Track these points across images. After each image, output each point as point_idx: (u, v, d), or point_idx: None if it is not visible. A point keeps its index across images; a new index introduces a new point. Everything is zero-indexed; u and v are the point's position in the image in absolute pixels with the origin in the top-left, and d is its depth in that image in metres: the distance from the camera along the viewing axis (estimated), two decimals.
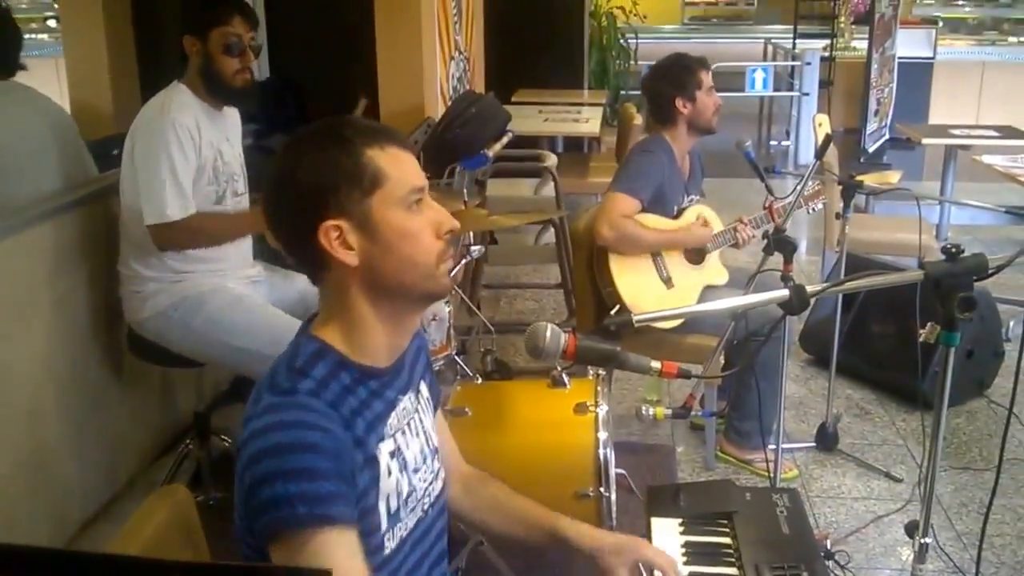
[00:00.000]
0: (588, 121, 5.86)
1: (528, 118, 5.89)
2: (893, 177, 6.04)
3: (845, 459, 3.50)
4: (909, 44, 9.41)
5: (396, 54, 4.20)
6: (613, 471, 2.43)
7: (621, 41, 9.29)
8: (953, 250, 1.52)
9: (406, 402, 1.44)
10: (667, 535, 1.74)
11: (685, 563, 1.65)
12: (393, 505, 1.36)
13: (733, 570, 1.62)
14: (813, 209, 3.46)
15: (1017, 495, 3.26)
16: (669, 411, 2.71)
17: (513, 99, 6.72)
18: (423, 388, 1.53)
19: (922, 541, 1.49)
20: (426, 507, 1.45)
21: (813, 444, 3.57)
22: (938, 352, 3.77)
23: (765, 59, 11.14)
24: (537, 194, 4.47)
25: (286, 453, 1.21)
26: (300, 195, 1.31)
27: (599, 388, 2.52)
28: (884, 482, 3.36)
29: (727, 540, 1.70)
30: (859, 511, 3.16)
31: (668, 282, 3.19)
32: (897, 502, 3.22)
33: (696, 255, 3.29)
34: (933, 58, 9.59)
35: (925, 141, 6.16)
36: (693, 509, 1.81)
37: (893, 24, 8.90)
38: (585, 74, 8.22)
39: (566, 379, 2.54)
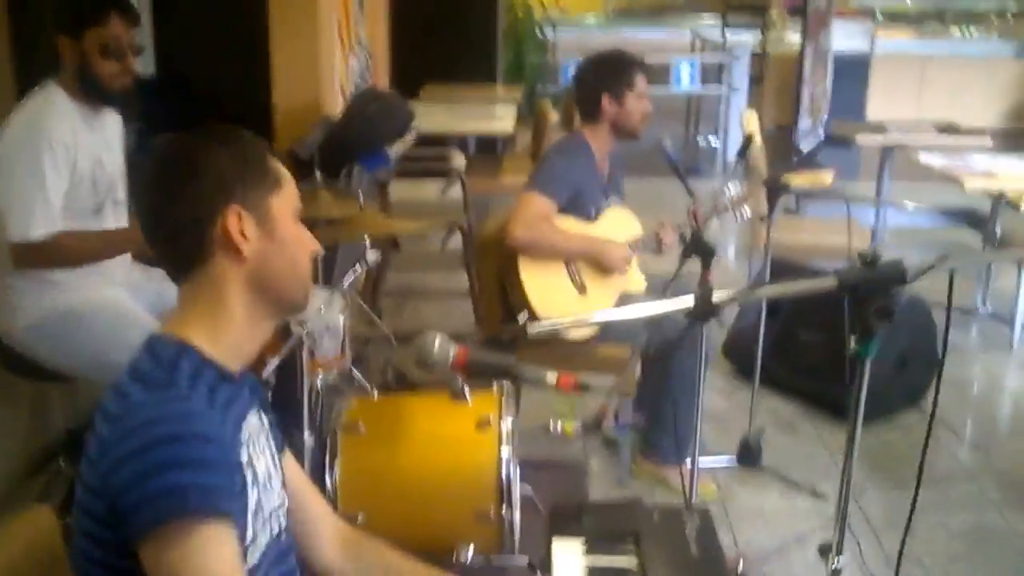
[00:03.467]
0: (501, 118, 5.90)
1: (437, 115, 5.90)
2: (826, 177, 6.19)
3: (768, 475, 3.59)
4: (845, 37, 9.68)
5: (292, 47, 4.18)
6: (517, 490, 2.45)
7: (538, 33, 9.38)
8: (869, 256, 1.57)
9: (252, 418, 1.46)
10: (569, 557, 1.76)
11: None
12: (250, 518, 1.37)
13: None
14: (741, 215, 3.51)
15: (950, 513, 3.38)
16: (579, 425, 2.76)
17: (421, 94, 6.74)
18: (263, 419, 1.52)
19: (834, 566, 1.53)
20: (275, 531, 1.45)
21: (735, 460, 3.65)
22: (867, 362, 3.99)
23: (692, 52, 11.34)
24: (444, 196, 4.48)
25: (178, 443, 1.24)
26: (209, 177, 1.38)
27: (503, 401, 2.54)
28: (808, 500, 3.45)
29: (632, 562, 1.73)
30: (781, 530, 3.24)
31: (582, 289, 3.23)
32: (822, 519, 3.31)
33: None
34: (871, 52, 9.90)
35: (860, 140, 6.34)
36: (598, 529, 1.83)
37: (828, 15, 9.15)
38: (499, 68, 8.27)
39: (467, 393, 2.55)
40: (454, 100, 6.53)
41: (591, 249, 3.26)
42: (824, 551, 1.68)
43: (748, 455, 3.65)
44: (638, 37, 12.55)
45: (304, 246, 1.46)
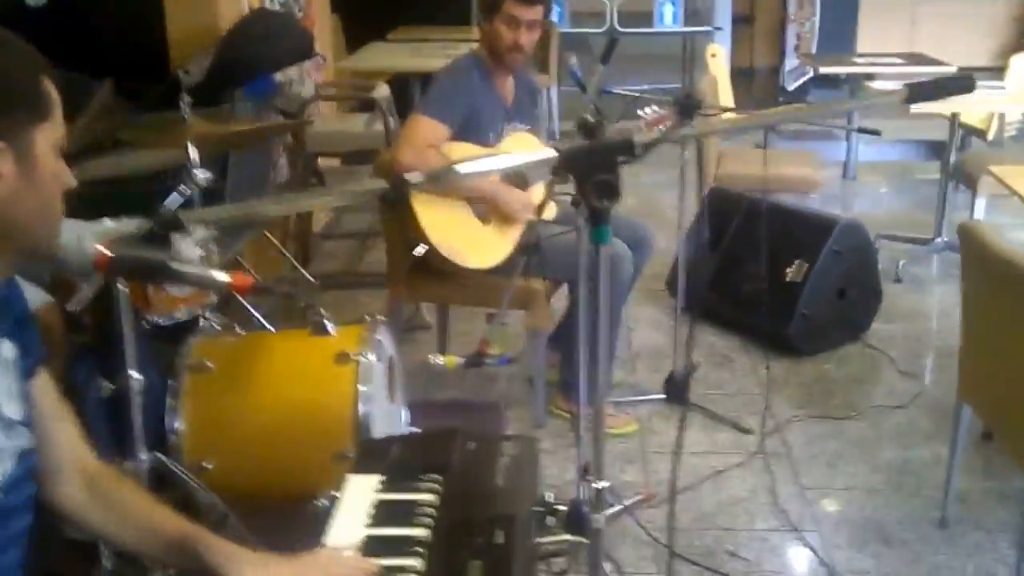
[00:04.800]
0: None
1: (399, 54, 5.71)
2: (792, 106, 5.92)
3: (694, 411, 3.36)
4: None
5: None
6: (379, 429, 2.24)
7: None
8: (591, 122, 1.32)
9: None
10: (360, 494, 1.55)
11: (368, 525, 1.47)
12: None
13: (421, 531, 1.43)
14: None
15: (876, 446, 3.15)
16: (461, 360, 2.53)
17: (389, 36, 6.48)
18: (4, 347, 1.30)
19: (596, 486, 1.31)
20: None
21: (663, 396, 3.43)
22: (805, 293, 3.74)
23: None
24: (367, 129, 4.26)
25: None
26: None
27: (368, 335, 2.33)
28: (731, 435, 3.23)
29: (429, 497, 1.52)
30: (697, 466, 3.02)
31: (484, 218, 3.00)
32: (742, 455, 3.09)
33: (518, 185, 3.08)
34: None
35: (823, 70, 6.06)
36: (404, 464, 1.62)
37: None
38: (473, 11, 7.95)
39: (330, 327, 2.34)
40: (423, 41, 6.27)
41: (485, 191, 3.01)
42: (584, 471, 1.46)
43: (674, 391, 3.43)
44: None
45: (60, 185, 1.24)
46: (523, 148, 3.09)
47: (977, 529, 2.71)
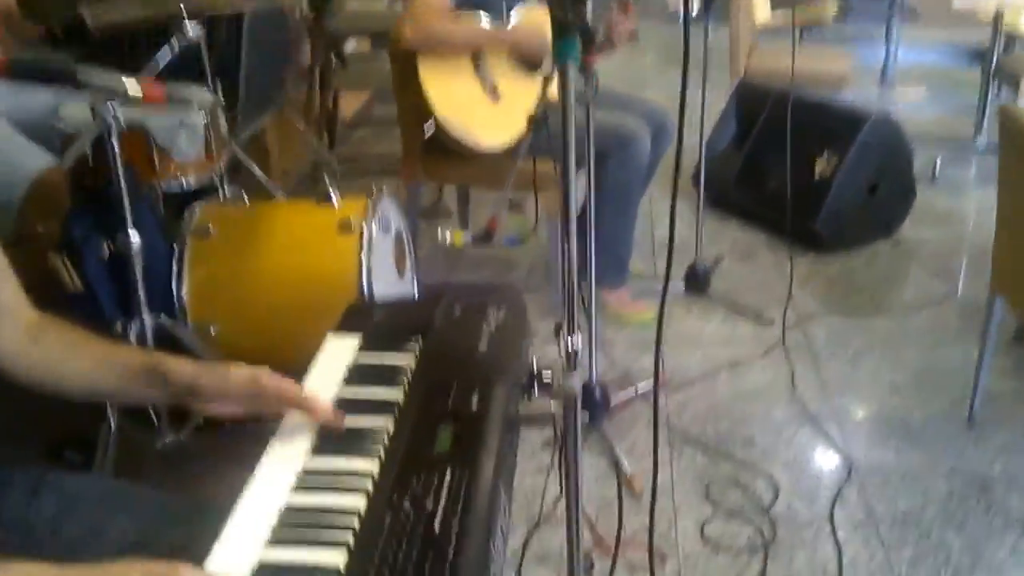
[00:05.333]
0: None
1: None
2: (829, 9, 5.61)
3: (714, 302, 3.22)
4: None
5: None
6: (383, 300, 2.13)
7: None
8: None
9: None
10: (337, 355, 1.44)
11: (344, 383, 1.36)
12: None
13: (394, 393, 1.32)
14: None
15: (903, 345, 2.99)
16: (469, 236, 2.41)
17: None
18: None
19: (571, 348, 1.18)
20: None
21: (683, 287, 3.29)
22: (833, 188, 3.55)
23: None
24: (389, 9, 4.07)
25: None
26: None
27: (373, 206, 2.20)
28: (751, 328, 3.08)
29: (405, 361, 1.40)
30: (714, 356, 2.89)
31: (493, 92, 2.82)
32: (761, 346, 2.95)
33: (531, 66, 2.90)
34: None
35: None
36: (387, 325, 1.50)
37: None
38: None
39: (335, 197, 2.21)
40: None
41: (501, 38, 2.80)
42: (557, 329, 1.34)
43: (695, 281, 3.28)
44: None
45: None
46: (533, 22, 2.90)
47: (1005, 429, 2.55)
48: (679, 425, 2.58)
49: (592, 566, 2.12)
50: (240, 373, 1.27)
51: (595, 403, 2.58)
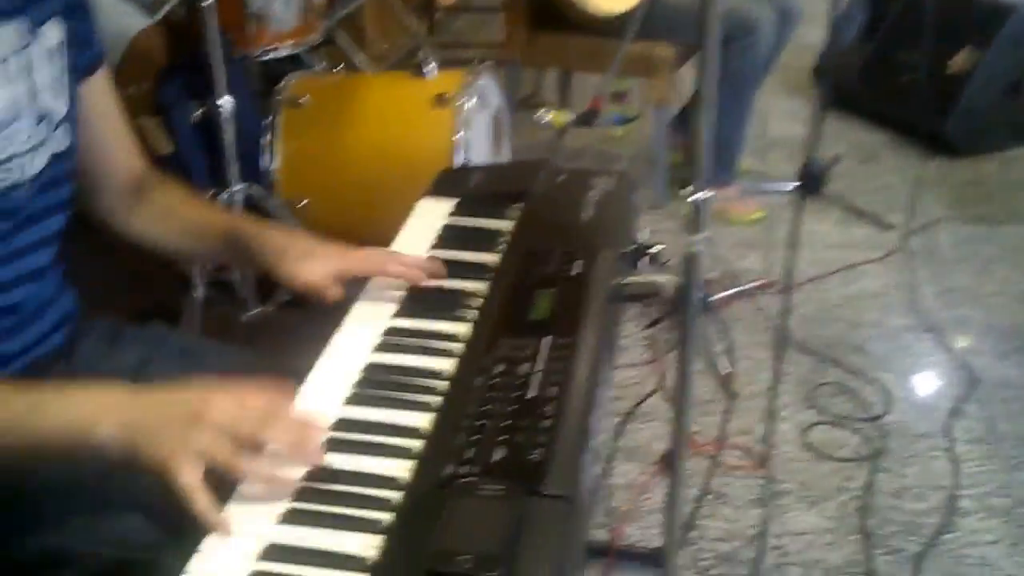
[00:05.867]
0: None
1: None
2: None
3: (831, 203, 3.02)
4: None
5: None
6: None
7: None
8: None
9: (7, 32, 1.02)
10: (429, 218, 1.34)
11: (434, 247, 1.27)
12: None
13: (489, 257, 1.22)
14: None
15: None
16: (571, 116, 2.28)
17: None
18: (51, 30, 1.09)
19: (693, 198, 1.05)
20: (4, 184, 1.05)
21: (795, 185, 3.08)
22: (970, 86, 3.27)
23: None
24: None
25: None
26: None
27: (470, 80, 2.07)
28: (869, 231, 2.88)
29: (504, 224, 1.30)
30: (827, 259, 2.71)
31: None
32: (878, 251, 2.76)
33: None
34: None
35: None
36: (483, 190, 1.40)
37: None
38: None
39: (429, 67, 2.09)
40: None
41: None
42: (684, 185, 1.21)
43: (810, 180, 3.07)
44: None
45: None
46: None
47: None
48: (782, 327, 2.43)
49: None
50: (327, 245, 1.21)
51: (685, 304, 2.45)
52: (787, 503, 1.94)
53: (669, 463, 2.06)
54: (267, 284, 2.28)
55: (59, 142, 1.09)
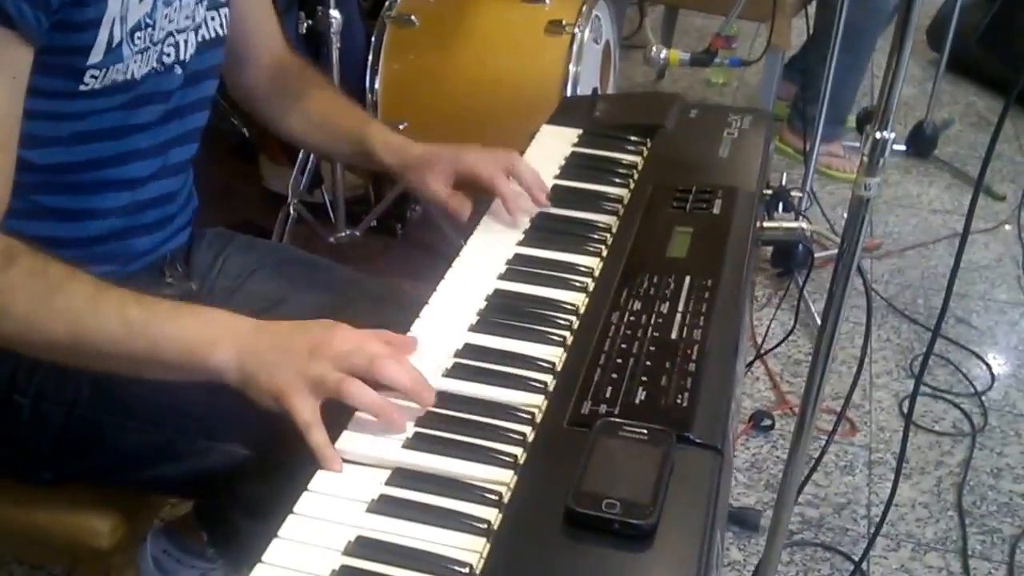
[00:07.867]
0: None
1: None
2: None
3: (940, 167, 2.88)
4: None
5: None
6: None
7: None
8: None
9: None
10: (553, 145, 1.27)
11: (559, 176, 1.20)
12: (117, 35, 0.94)
13: (618, 190, 1.16)
14: None
15: None
16: (687, 55, 2.18)
17: None
18: None
19: (878, 135, 0.96)
20: (167, 60, 1.01)
21: (904, 147, 2.95)
22: None
23: None
24: None
25: None
26: None
27: (586, 8, 1.98)
28: (980, 199, 2.74)
29: (632, 159, 1.23)
30: (935, 224, 2.59)
31: None
32: (988, 221, 2.63)
33: None
34: None
35: None
36: (607, 120, 1.33)
37: None
38: None
39: None
40: None
41: None
42: (866, 119, 1.12)
43: (920, 143, 2.94)
44: None
45: None
46: None
47: None
48: (885, 293, 2.33)
49: (772, 425, 1.96)
50: (443, 150, 1.18)
51: (793, 257, 2.36)
52: (880, 472, 1.87)
53: (758, 423, 2.00)
54: (356, 208, 2.25)
55: (212, 29, 1.06)
